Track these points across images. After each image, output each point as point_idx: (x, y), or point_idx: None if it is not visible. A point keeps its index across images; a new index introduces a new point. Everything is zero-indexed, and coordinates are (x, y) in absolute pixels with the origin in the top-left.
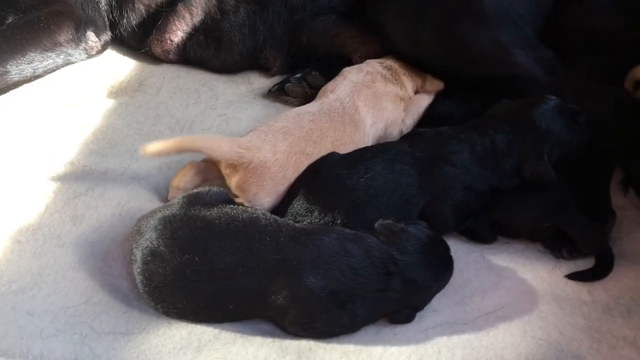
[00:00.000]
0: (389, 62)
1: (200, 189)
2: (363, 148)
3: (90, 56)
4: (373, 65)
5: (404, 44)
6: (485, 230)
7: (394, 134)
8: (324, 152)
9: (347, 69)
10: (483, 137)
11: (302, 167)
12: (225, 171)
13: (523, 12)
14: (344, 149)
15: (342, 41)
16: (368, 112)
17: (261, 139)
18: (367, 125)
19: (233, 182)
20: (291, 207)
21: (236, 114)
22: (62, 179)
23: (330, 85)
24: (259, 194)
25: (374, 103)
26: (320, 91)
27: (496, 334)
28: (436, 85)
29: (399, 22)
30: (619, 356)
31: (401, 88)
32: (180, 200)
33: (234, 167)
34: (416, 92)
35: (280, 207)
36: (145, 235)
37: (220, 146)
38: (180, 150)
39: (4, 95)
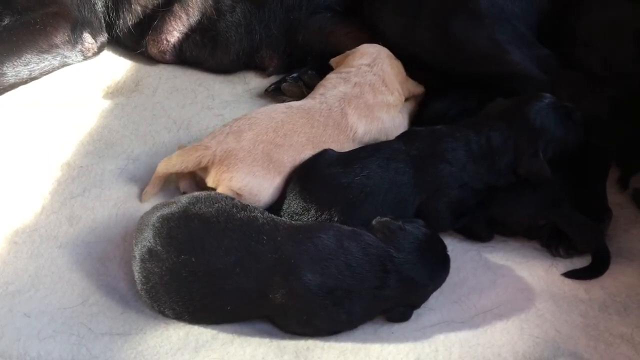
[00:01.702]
0: (380, 64)
1: (203, 192)
2: (359, 147)
3: (86, 58)
4: (362, 74)
5: (399, 41)
6: (482, 228)
7: None
8: (296, 146)
9: (332, 75)
10: (478, 135)
11: (273, 155)
12: (200, 174)
13: (518, 11)
14: (324, 147)
15: (337, 38)
16: (360, 120)
17: (225, 132)
18: (358, 133)
19: (209, 181)
20: (287, 206)
21: (233, 114)
22: (59, 180)
23: (319, 89)
24: (236, 177)
25: (366, 112)
26: (310, 93)
27: (493, 332)
28: (418, 89)
29: (395, 19)
30: (615, 354)
31: (392, 94)
32: (182, 200)
33: (205, 168)
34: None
35: (276, 206)
36: (144, 233)
37: (180, 159)
38: (163, 179)
39: (0, 97)
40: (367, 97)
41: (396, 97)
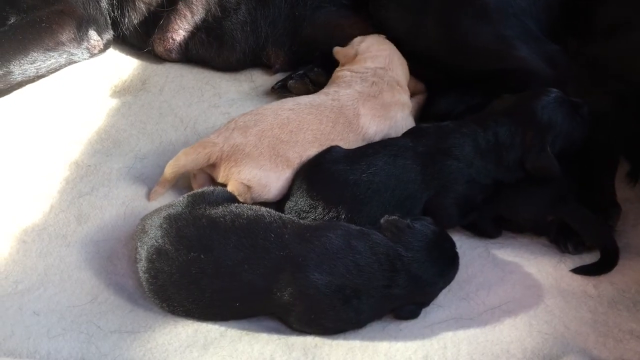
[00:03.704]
0: (394, 68)
1: (204, 189)
2: (365, 144)
3: (92, 55)
4: (379, 76)
5: (405, 37)
6: (490, 225)
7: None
8: (302, 142)
9: (345, 73)
10: (486, 131)
11: (280, 150)
12: (207, 171)
13: (526, 6)
14: (330, 144)
15: (344, 31)
16: (373, 120)
17: (230, 128)
18: (369, 133)
19: (219, 177)
20: (294, 203)
21: (239, 112)
22: (67, 179)
23: (332, 86)
24: (244, 170)
25: (381, 112)
26: (323, 89)
27: (502, 328)
28: (419, 87)
29: (401, 15)
30: (625, 349)
31: (406, 94)
32: (185, 199)
33: (213, 165)
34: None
35: (283, 203)
36: (150, 234)
37: (189, 158)
38: (172, 181)
39: (7, 96)
40: (385, 96)
41: (407, 97)
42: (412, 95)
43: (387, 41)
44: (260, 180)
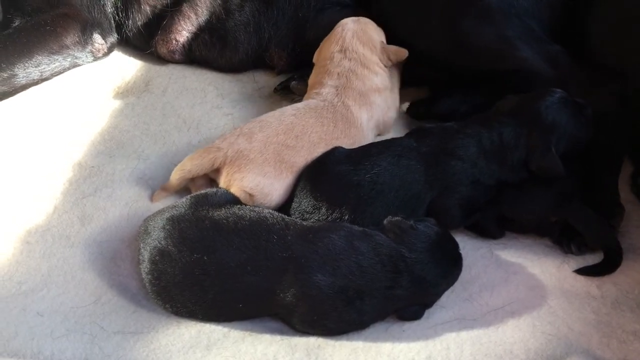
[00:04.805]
0: (351, 47)
1: (207, 190)
2: (369, 144)
3: (96, 59)
4: (338, 63)
5: (408, 37)
6: (493, 225)
7: (388, 126)
8: (308, 146)
9: (312, 74)
10: (490, 131)
11: (285, 157)
12: (212, 176)
13: (528, 6)
14: (337, 144)
15: None
16: (360, 108)
17: (235, 134)
18: (363, 122)
19: (221, 182)
20: (298, 204)
21: (242, 113)
22: (70, 180)
23: (312, 88)
24: (247, 177)
25: (363, 100)
26: (306, 94)
27: (505, 329)
28: (400, 54)
29: (404, 16)
30: (628, 350)
31: (376, 75)
32: (188, 201)
33: (218, 170)
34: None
35: (285, 206)
36: (153, 235)
37: (195, 163)
38: (178, 185)
39: (11, 98)
40: (357, 85)
41: (382, 76)
42: (397, 64)
43: (347, 22)
44: (263, 189)
